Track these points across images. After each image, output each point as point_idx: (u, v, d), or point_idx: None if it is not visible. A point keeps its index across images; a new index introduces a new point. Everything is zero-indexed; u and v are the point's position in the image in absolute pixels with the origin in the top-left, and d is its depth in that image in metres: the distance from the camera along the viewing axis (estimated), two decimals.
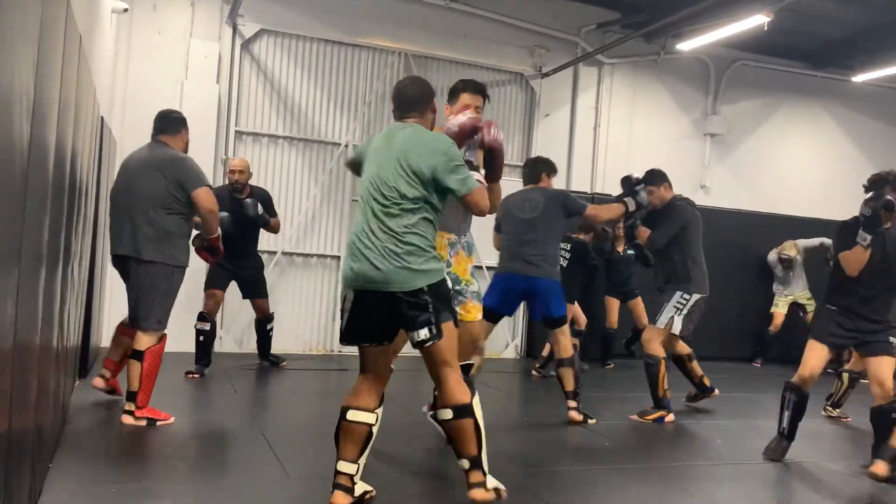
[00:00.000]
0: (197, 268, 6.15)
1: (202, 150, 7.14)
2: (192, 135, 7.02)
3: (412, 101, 3.30)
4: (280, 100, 7.67)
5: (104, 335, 6.91)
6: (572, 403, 5.16)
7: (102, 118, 5.26)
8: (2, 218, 1.56)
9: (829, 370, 6.31)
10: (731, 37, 7.69)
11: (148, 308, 4.32)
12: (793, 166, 9.90)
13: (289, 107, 7.70)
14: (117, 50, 6.83)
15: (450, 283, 3.53)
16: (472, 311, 3.83)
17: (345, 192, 7.85)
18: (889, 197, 4.16)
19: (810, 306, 8.81)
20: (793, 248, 8.90)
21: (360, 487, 3.17)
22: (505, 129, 8.59)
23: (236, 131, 7.43)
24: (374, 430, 3.09)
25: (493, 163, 3.60)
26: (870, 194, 4.33)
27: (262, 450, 4.02)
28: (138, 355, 4.30)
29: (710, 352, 8.44)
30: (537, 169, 5.48)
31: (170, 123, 4.64)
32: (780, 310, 8.98)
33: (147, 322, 4.33)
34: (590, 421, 5.14)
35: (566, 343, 5.17)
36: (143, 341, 4.32)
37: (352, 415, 3.05)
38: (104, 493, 3.26)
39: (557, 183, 8.55)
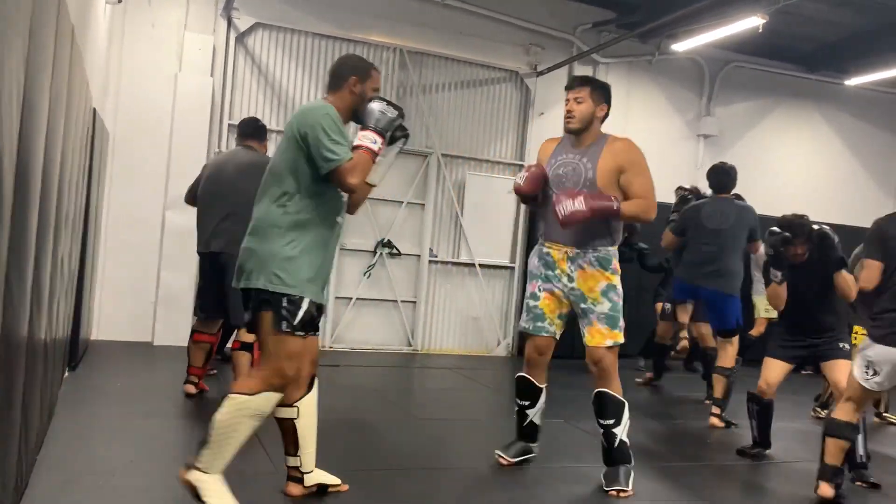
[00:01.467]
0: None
1: (195, 144, 7.14)
2: (185, 127, 7.12)
3: (329, 79, 3.23)
4: (274, 94, 7.65)
5: (94, 328, 6.90)
6: (716, 410, 5.45)
7: (95, 109, 5.23)
8: None
9: (813, 373, 6.34)
10: (725, 38, 7.71)
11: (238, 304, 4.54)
12: (786, 168, 9.93)
13: (283, 101, 7.68)
14: (111, 42, 6.79)
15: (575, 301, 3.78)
16: (597, 336, 3.74)
17: None
18: (786, 233, 4.25)
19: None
20: None
21: (317, 478, 3.25)
22: (498, 128, 8.60)
23: (229, 124, 7.40)
24: (298, 422, 3.16)
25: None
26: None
27: (251, 443, 4.01)
28: (248, 347, 4.54)
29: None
30: (728, 180, 5.90)
31: (258, 131, 5.03)
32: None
33: (238, 318, 4.45)
34: (732, 426, 5.36)
35: (732, 353, 5.51)
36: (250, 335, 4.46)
37: (277, 411, 3.12)
38: (91, 486, 3.25)
39: None
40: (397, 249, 8.09)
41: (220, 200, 4.76)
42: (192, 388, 4.98)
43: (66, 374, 5.20)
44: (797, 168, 10.00)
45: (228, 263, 4.49)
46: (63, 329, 4.66)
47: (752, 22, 6.65)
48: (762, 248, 5.55)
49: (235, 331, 4.96)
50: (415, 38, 8.05)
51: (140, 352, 6.76)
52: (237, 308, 4.34)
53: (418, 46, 8.06)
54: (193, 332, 5.04)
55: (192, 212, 7.07)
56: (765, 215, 9.39)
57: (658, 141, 9.20)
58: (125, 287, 7.07)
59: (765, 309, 6.84)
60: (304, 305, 2.94)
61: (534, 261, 3.96)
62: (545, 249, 3.89)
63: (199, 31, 7.24)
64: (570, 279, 3.78)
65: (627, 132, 8.98)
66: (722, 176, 5.83)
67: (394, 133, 3.13)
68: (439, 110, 8.27)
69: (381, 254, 8.06)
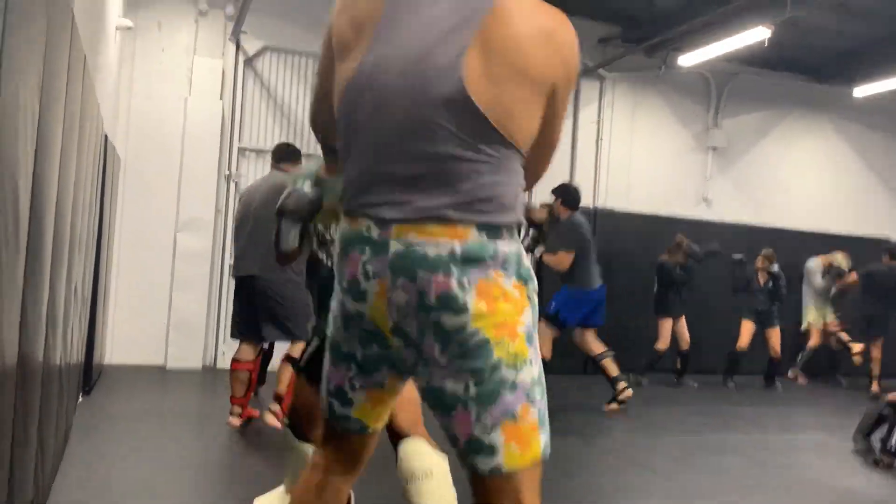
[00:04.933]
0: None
1: (205, 167, 7.20)
2: (195, 150, 7.17)
3: None
4: (283, 116, 7.70)
5: (108, 351, 6.90)
6: None
7: (106, 136, 5.27)
8: (4, 237, 1.55)
9: None
10: (731, 51, 7.71)
11: (296, 318, 4.61)
12: (796, 179, 9.90)
13: (291, 123, 7.72)
14: (121, 66, 6.86)
15: None
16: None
17: None
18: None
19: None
20: (844, 261, 8.80)
21: None
22: None
23: (239, 148, 7.46)
24: None
25: None
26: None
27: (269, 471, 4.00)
28: (295, 361, 4.53)
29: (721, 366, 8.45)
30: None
31: (291, 154, 5.07)
32: (817, 323, 8.93)
33: (302, 331, 4.57)
34: None
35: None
36: (296, 349, 4.59)
37: None
38: None
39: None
40: None
41: (250, 224, 4.78)
42: (235, 421, 4.84)
43: (81, 398, 5.21)
44: (807, 177, 9.97)
45: (261, 286, 4.66)
46: (77, 354, 4.67)
47: (758, 34, 6.65)
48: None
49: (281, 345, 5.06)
50: None
51: (153, 376, 6.77)
52: (269, 326, 4.69)
53: None
54: (232, 361, 4.94)
55: (203, 234, 7.20)
56: (775, 227, 9.41)
57: (667, 154, 9.22)
58: (138, 310, 7.09)
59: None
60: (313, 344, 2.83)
61: None
62: None
63: (208, 55, 7.31)
64: None
65: (635, 146, 9.09)
66: (578, 193, 6.40)
67: None
68: None
69: None
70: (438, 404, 1.53)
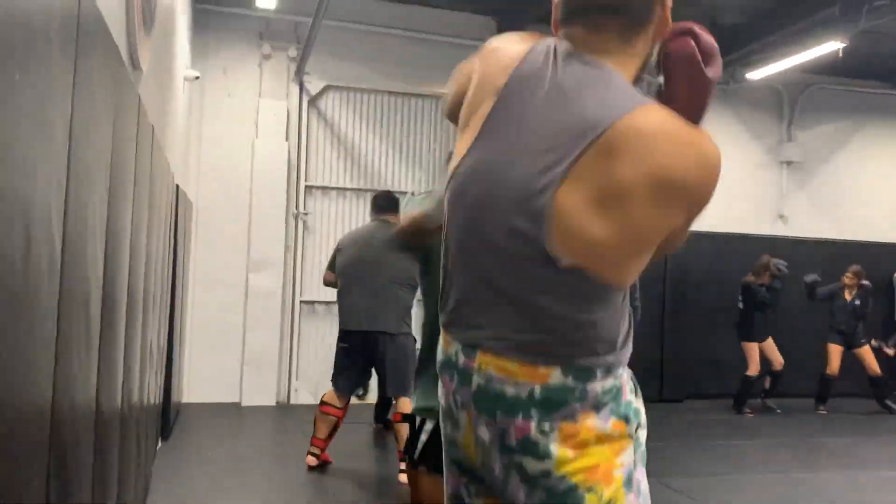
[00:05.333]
0: None
1: (274, 206, 7.32)
2: (264, 190, 7.31)
3: None
4: (347, 153, 7.79)
5: (185, 391, 7.06)
6: None
7: (178, 186, 5.42)
8: (82, 298, 1.57)
9: None
10: (804, 62, 7.44)
11: (404, 376, 4.64)
12: (876, 190, 9.45)
13: (355, 159, 7.80)
14: (190, 113, 7.06)
15: None
16: None
17: None
18: None
19: None
20: None
21: None
22: None
23: (306, 186, 7.57)
24: None
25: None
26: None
27: None
28: (409, 418, 4.56)
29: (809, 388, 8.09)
30: None
31: (392, 203, 4.98)
32: None
33: (408, 389, 4.53)
34: None
35: None
36: (409, 405, 4.52)
37: None
38: None
39: None
40: None
41: (368, 278, 4.78)
42: (313, 461, 4.90)
43: (160, 444, 5.32)
44: (887, 190, 9.50)
45: (387, 343, 4.72)
46: (155, 401, 4.78)
47: (830, 47, 6.39)
48: None
49: (393, 401, 5.14)
50: None
51: (229, 414, 6.89)
52: (395, 381, 4.75)
53: None
54: (322, 403, 4.97)
55: (274, 272, 7.31)
56: (857, 241, 9.00)
57: (740, 171, 8.92)
58: (213, 350, 7.23)
59: None
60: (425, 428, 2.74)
61: None
62: None
63: (272, 97, 7.46)
64: None
65: None
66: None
67: None
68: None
69: None
70: None
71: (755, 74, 7.88)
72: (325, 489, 4.69)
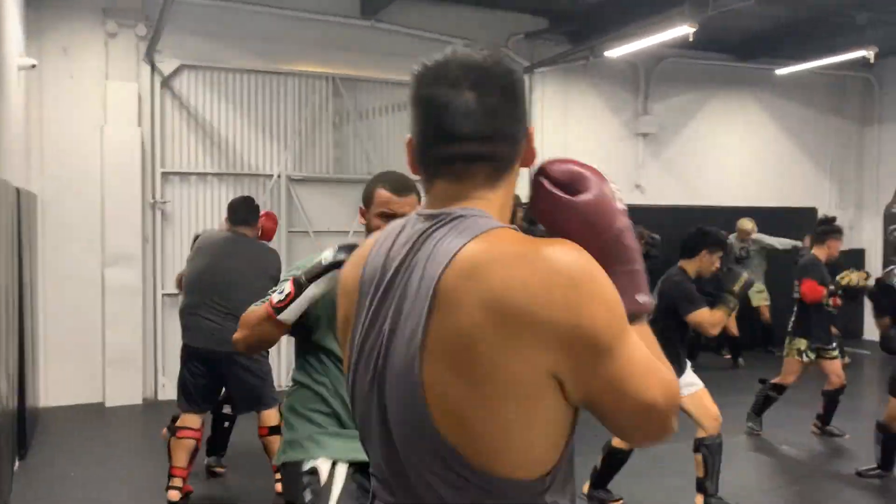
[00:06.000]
0: None
1: (129, 196, 6.92)
2: (116, 179, 6.88)
3: None
4: (206, 135, 7.43)
5: (43, 394, 6.65)
6: None
7: (17, 189, 5.00)
8: None
9: None
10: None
11: (261, 389, 4.50)
12: (725, 158, 10.06)
13: (215, 142, 7.46)
14: (29, 100, 6.50)
15: None
16: None
17: (281, 225, 7.67)
18: None
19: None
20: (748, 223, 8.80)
21: None
22: None
23: (163, 172, 7.18)
24: None
25: None
26: None
27: None
28: (277, 430, 4.38)
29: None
30: None
31: (251, 214, 4.67)
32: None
33: (270, 400, 4.50)
34: None
35: None
36: (274, 417, 4.46)
37: None
38: None
39: None
40: None
41: (221, 296, 4.38)
42: (176, 495, 4.35)
43: (17, 465, 4.99)
44: (736, 156, 10.15)
45: (230, 361, 4.33)
46: (7, 411, 4.47)
47: (682, 30, 6.68)
48: None
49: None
50: (347, 64, 7.89)
51: (93, 416, 6.57)
52: (250, 398, 4.49)
53: (351, 72, 7.91)
54: (177, 429, 4.47)
55: (132, 265, 6.93)
56: (708, 205, 9.58)
57: (599, 144, 9.24)
58: (70, 350, 6.83)
59: None
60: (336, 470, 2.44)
61: None
62: None
63: (121, 78, 6.97)
64: None
65: (569, 138, 9.10)
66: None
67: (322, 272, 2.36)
68: (379, 136, 8.14)
69: None
70: None
71: (613, 53, 8.12)
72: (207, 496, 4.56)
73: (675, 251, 4.55)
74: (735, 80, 9.96)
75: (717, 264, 4.35)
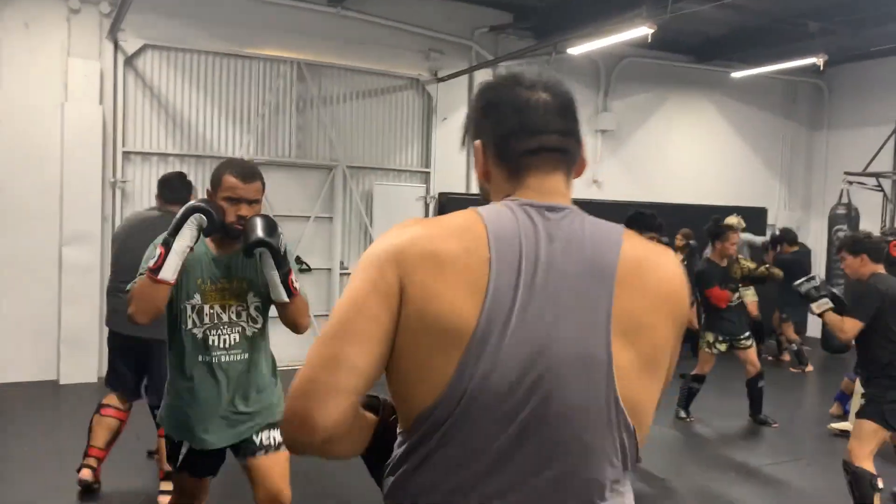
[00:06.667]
0: None
1: (88, 175, 6.88)
2: (76, 158, 6.84)
3: None
4: (168, 116, 7.42)
5: None
6: None
7: None
8: None
9: None
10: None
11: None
12: (681, 156, 10.35)
13: (178, 123, 7.45)
14: None
15: None
16: None
17: None
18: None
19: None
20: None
21: None
22: (402, 136, 8.61)
23: (124, 152, 7.15)
24: None
25: None
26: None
27: None
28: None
29: None
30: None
31: (177, 190, 4.22)
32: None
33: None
34: None
35: None
36: None
37: None
38: None
39: (455, 187, 8.74)
40: (307, 265, 8.03)
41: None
42: (87, 474, 4.14)
43: None
44: (690, 155, 10.44)
45: (153, 348, 3.93)
46: None
47: (641, 31, 6.86)
48: None
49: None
50: (312, 50, 7.93)
51: (47, 394, 6.55)
52: (153, 392, 4.07)
53: (316, 58, 7.95)
54: (100, 406, 4.24)
55: (91, 245, 6.91)
56: (661, 202, 9.83)
57: None
58: (26, 328, 6.79)
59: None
60: (183, 450, 2.82)
61: None
62: None
63: (83, 56, 6.91)
64: None
65: None
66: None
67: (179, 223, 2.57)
68: (342, 122, 8.20)
69: None
70: None
71: (575, 51, 8.29)
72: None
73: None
74: (692, 81, 10.23)
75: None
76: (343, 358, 1.16)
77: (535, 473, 1.17)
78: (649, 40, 7.07)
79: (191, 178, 7.50)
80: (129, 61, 7.17)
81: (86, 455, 4.17)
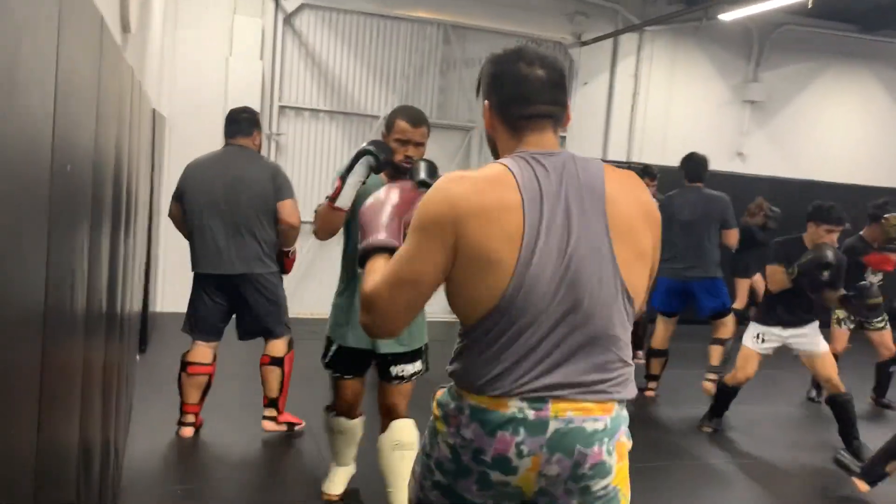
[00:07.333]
0: None
1: None
2: None
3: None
4: (321, 74, 7.83)
5: (159, 301, 7.30)
6: (711, 376, 5.64)
7: (154, 110, 5.49)
8: (71, 205, 1.69)
9: None
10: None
11: (277, 317, 4.32)
12: (835, 133, 9.78)
13: (329, 81, 7.86)
14: (164, 29, 7.01)
15: None
16: None
17: None
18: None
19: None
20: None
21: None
22: None
23: (280, 106, 7.64)
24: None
25: None
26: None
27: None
28: (278, 362, 4.35)
29: None
30: (702, 169, 5.79)
31: (245, 125, 4.33)
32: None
33: (280, 329, 4.35)
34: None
35: (730, 325, 5.82)
36: (280, 348, 4.37)
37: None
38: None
39: (593, 152, 8.69)
40: None
41: (228, 216, 4.13)
42: (189, 432, 4.27)
43: (138, 358, 5.58)
44: (847, 131, 9.84)
45: (253, 285, 4.20)
46: (137, 311, 4.98)
47: None
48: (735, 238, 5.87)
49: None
50: (458, 12, 8.10)
51: None
52: (263, 323, 4.30)
53: (461, 20, 8.12)
54: (186, 364, 4.26)
55: None
56: (813, 180, 9.36)
57: (703, 108, 9.17)
58: (186, 263, 7.40)
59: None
60: (332, 347, 3.31)
61: None
62: None
63: (248, 14, 7.42)
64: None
65: (673, 100, 9.04)
66: (694, 165, 5.83)
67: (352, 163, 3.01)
68: None
69: None
70: None
71: (728, 15, 8.01)
72: (307, 400, 4.91)
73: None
74: (854, 52, 9.61)
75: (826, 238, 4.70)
76: (419, 294, 1.65)
77: (575, 333, 1.63)
78: (809, 6, 6.73)
79: (338, 133, 7.99)
80: (288, 20, 7.62)
81: (183, 413, 4.28)
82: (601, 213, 1.64)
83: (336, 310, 3.28)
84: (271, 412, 4.43)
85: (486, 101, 1.76)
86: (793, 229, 8.77)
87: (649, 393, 5.86)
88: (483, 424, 1.63)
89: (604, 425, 1.64)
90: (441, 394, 1.76)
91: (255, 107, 7.37)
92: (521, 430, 1.61)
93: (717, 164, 9.07)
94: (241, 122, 4.34)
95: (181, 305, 7.28)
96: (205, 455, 4.14)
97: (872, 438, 4.51)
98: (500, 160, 1.70)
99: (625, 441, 1.70)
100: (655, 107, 8.99)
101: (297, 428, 4.49)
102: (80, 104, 1.56)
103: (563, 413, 1.61)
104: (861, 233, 5.97)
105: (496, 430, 1.62)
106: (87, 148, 1.78)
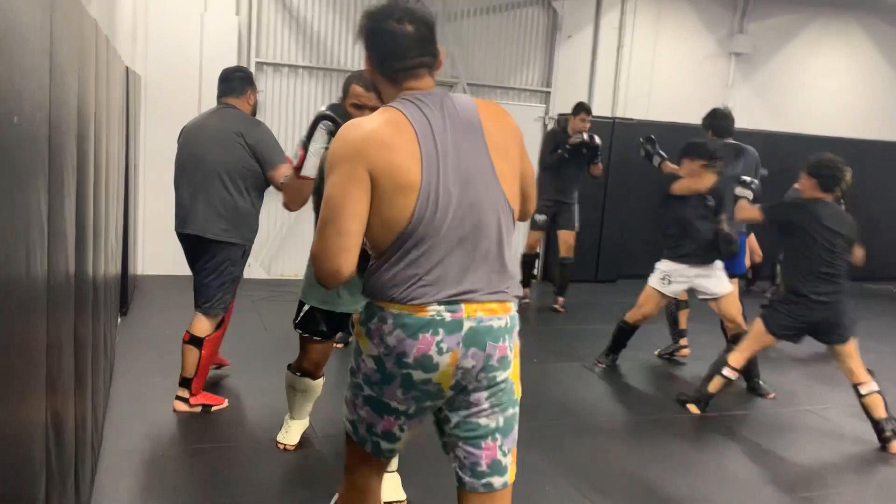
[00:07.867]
0: None
1: None
2: (213, 66, 7.12)
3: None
4: (299, 28, 7.66)
5: (140, 264, 7.22)
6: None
7: (127, 68, 5.36)
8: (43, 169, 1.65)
9: None
10: None
11: (215, 291, 4.00)
12: (822, 84, 9.72)
13: (308, 36, 7.68)
14: None
15: None
16: None
17: None
18: None
19: None
20: None
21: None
22: (525, 54, 8.51)
23: (257, 62, 7.47)
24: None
25: None
26: None
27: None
28: (197, 342, 4.00)
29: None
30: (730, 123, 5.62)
31: (236, 83, 4.12)
32: None
33: (212, 306, 4.01)
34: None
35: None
36: (204, 327, 4.02)
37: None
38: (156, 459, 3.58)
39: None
40: None
41: (198, 174, 3.96)
42: (182, 406, 4.07)
43: (119, 320, 5.53)
44: (833, 83, 9.78)
45: (210, 250, 3.98)
46: (115, 273, 4.93)
47: None
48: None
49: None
50: None
51: (185, 286, 7.05)
52: (199, 295, 4.05)
53: None
54: (189, 334, 4.07)
55: None
56: (800, 133, 9.31)
57: (689, 61, 9.06)
58: (166, 224, 7.29)
59: None
60: (304, 309, 3.40)
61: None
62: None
63: None
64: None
65: (657, 53, 8.93)
66: (723, 121, 5.64)
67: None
68: (465, 38, 8.20)
69: None
70: (473, 435, 2.00)
71: None
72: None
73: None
74: (840, 2, 9.50)
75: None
76: (345, 230, 1.86)
77: (477, 244, 1.92)
78: None
79: (318, 89, 7.84)
80: None
81: (183, 385, 4.11)
82: (481, 137, 1.93)
83: (308, 271, 3.37)
84: (184, 392, 4.06)
85: (366, 55, 2.03)
86: (781, 183, 8.89)
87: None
88: (405, 328, 1.88)
89: (505, 323, 1.96)
90: (358, 316, 2.02)
91: (232, 62, 7.20)
92: (441, 330, 1.87)
93: (702, 116, 9.03)
94: (233, 81, 4.15)
95: (163, 268, 7.34)
96: (189, 419, 4.12)
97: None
98: (388, 105, 1.96)
99: (517, 341, 2.03)
100: (640, 60, 8.88)
101: (214, 408, 4.12)
102: (27, 52, 1.48)
103: (475, 313, 1.90)
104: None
105: (418, 333, 1.88)
106: (39, 100, 1.71)
